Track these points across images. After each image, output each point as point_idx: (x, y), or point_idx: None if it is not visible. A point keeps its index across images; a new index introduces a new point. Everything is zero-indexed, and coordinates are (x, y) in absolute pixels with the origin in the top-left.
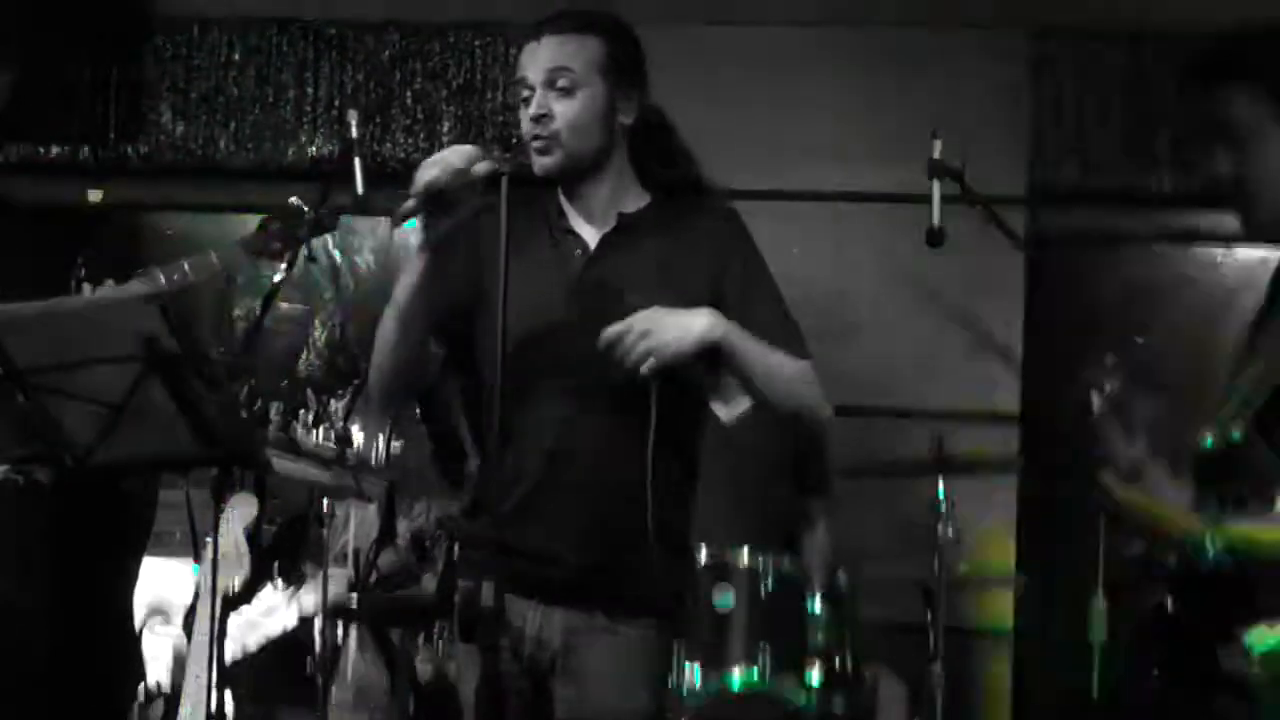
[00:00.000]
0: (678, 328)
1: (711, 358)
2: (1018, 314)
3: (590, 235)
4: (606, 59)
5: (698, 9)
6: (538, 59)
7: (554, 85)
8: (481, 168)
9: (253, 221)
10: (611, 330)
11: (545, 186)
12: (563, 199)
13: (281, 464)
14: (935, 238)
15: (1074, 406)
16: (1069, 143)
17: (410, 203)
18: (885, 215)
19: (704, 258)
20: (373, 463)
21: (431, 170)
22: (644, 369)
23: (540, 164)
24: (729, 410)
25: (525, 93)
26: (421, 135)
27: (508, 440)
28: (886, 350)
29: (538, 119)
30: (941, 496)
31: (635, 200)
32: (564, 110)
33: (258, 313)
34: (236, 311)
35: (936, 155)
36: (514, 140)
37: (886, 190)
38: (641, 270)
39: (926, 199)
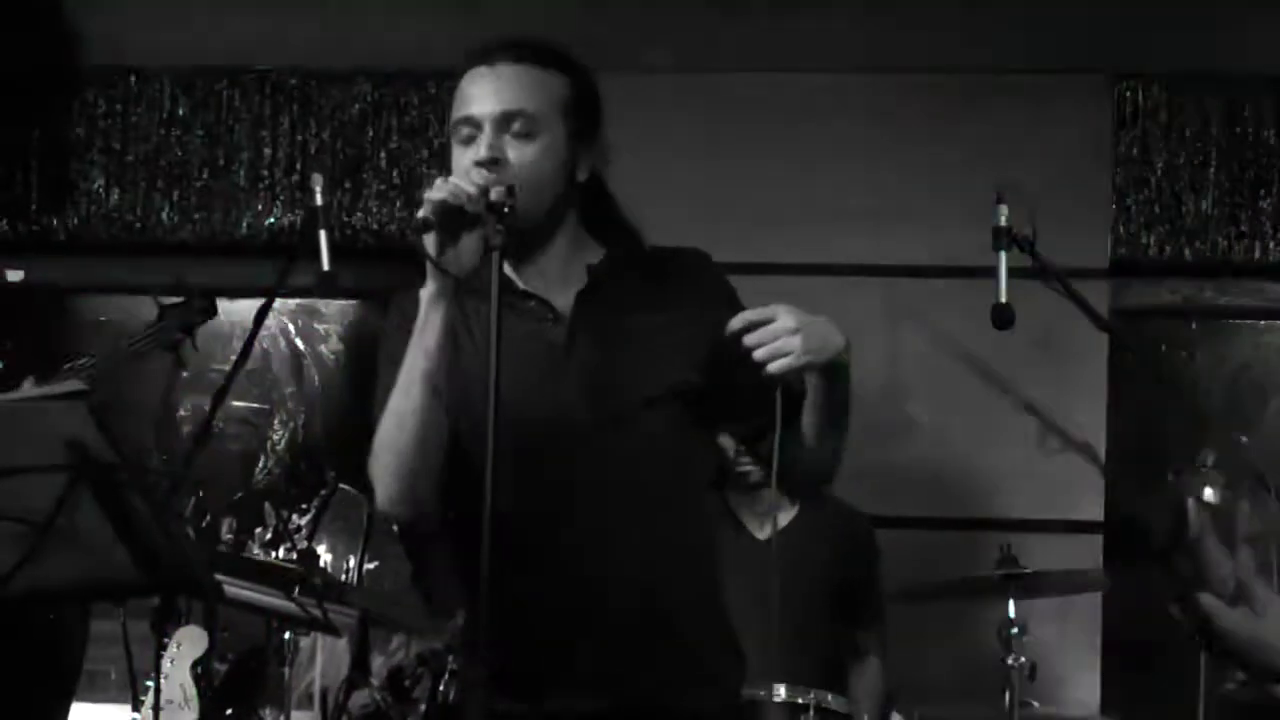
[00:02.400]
0: (825, 332)
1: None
2: (1100, 405)
3: (557, 297)
4: (568, 100)
5: (723, 54)
6: (488, 93)
7: (509, 128)
8: (498, 192)
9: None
10: (750, 316)
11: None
12: (508, 264)
13: (235, 590)
14: (1003, 317)
15: (1166, 514)
16: (1158, 205)
17: (424, 211)
18: (944, 291)
19: (693, 302)
20: (343, 587)
21: (440, 191)
22: (775, 368)
23: (496, 226)
24: (765, 525)
25: (468, 130)
26: (398, 202)
27: (515, 560)
28: (946, 450)
29: (488, 164)
30: (1012, 618)
31: (594, 252)
32: (521, 157)
33: (206, 412)
34: (181, 411)
35: (1003, 221)
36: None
37: (945, 262)
38: (633, 326)
39: (992, 272)
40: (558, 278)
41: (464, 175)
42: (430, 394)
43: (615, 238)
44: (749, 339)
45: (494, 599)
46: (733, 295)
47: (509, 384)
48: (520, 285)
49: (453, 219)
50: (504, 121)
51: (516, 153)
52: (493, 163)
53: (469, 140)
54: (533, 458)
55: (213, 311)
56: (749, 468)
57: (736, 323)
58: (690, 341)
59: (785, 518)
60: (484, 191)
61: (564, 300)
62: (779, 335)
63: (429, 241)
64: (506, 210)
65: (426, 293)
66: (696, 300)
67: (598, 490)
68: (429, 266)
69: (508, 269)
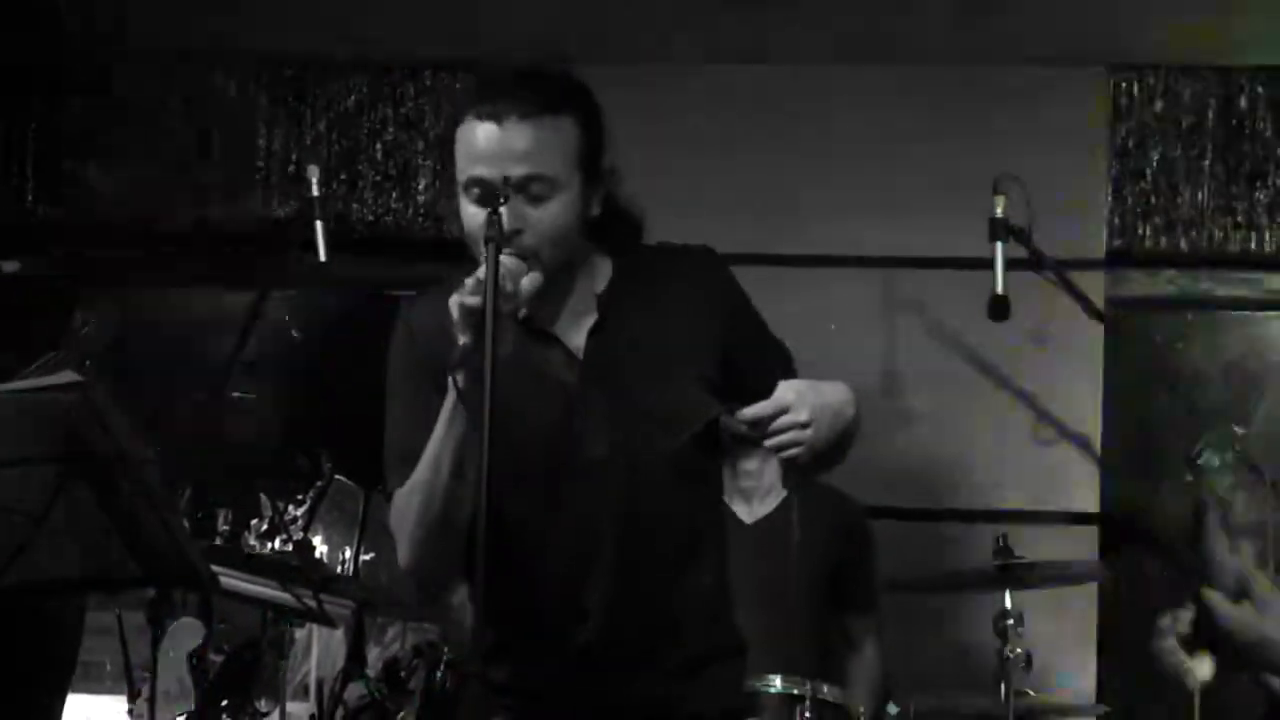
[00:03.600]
0: (837, 411)
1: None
2: (1096, 396)
3: (566, 332)
4: (582, 146)
5: (721, 46)
6: (500, 156)
7: (526, 191)
8: (529, 283)
9: (201, 296)
10: (761, 409)
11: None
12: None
13: (230, 582)
14: (999, 308)
15: (1162, 505)
16: (1154, 197)
17: (464, 341)
18: (941, 282)
19: (703, 317)
20: (339, 579)
21: (474, 298)
22: (786, 456)
23: (523, 301)
24: (753, 508)
25: (480, 191)
26: (394, 194)
27: (529, 594)
28: (943, 441)
29: (508, 237)
30: (1008, 609)
31: (601, 274)
32: (540, 218)
33: (202, 403)
34: (179, 402)
35: (999, 212)
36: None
37: (943, 253)
38: (647, 356)
39: (989, 263)
40: (568, 309)
41: (479, 236)
42: (458, 475)
43: (616, 233)
44: (759, 434)
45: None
46: (741, 297)
47: (524, 424)
48: (529, 322)
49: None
50: (521, 187)
51: (536, 214)
52: (515, 234)
53: (482, 200)
54: (548, 498)
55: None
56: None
57: (748, 414)
58: (703, 359)
59: (772, 501)
60: (514, 295)
61: (576, 337)
62: (790, 429)
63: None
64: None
65: (452, 397)
66: (704, 307)
67: (611, 527)
68: (456, 369)
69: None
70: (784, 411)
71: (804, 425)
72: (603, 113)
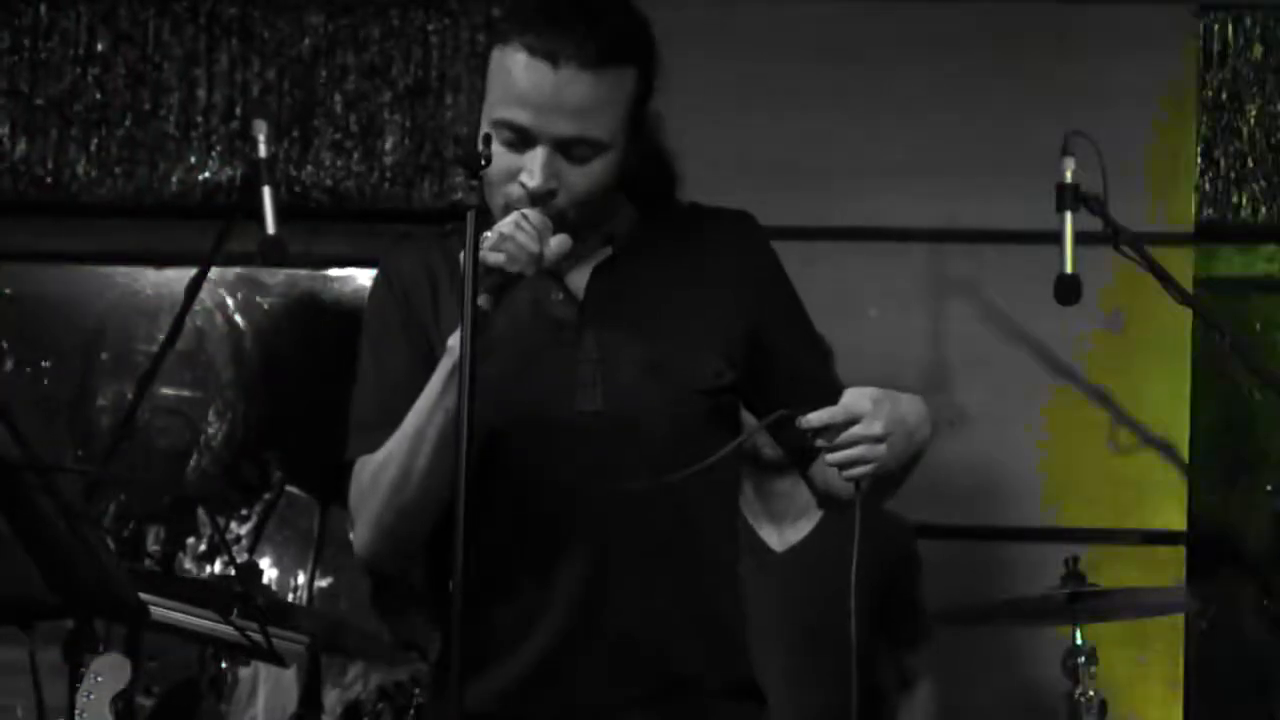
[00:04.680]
0: (912, 429)
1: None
2: (1183, 394)
3: (569, 270)
4: (636, 102)
5: None
6: (549, 105)
7: (570, 151)
8: (557, 244)
9: (125, 275)
10: (831, 415)
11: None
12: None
13: (162, 612)
14: (1068, 290)
15: (1260, 523)
16: (1251, 159)
17: (482, 300)
18: (999, 260)
19: (731, 282)
20: (291, 608)
21: (497, 255)
22: (851, 475)
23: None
24: (784, 534)
25: (512, 135)
26: (356, 154)
27: (505, 574)
28: (1002, 447)
29: (541, 196)
30: (1079, 644)
31: (620, 217)
32: (576, 181)
33: (129, 401)
34: (100, 401)
35: (1069, 177)
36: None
37: (1001, 226)
38: (657, 306)
39: (1056, 237)
40: (574, 250)
41: (503, 183)
42: (442, 452)
43: (647, 183)
44: (826, 443)
45: (473, 622)
46: (779, 271)
47: (507, 368)
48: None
49: (509, 285)
50: (565, 145)
51: (575, 174)
52: (547, 195)
53: (512, 145)
54: (531, 452)
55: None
56: (767, 449)
57: (814, 419)
58: (723, 326)
59: (805, 526)
60: (540, 256)
61: (578, 274)
62: (862, 442)
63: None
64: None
65: (450, 358)
66: (733, 275)
67: (602, 501)
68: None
69: None
70: (855, 421)
71: (877, 439)
72: (656, 49)
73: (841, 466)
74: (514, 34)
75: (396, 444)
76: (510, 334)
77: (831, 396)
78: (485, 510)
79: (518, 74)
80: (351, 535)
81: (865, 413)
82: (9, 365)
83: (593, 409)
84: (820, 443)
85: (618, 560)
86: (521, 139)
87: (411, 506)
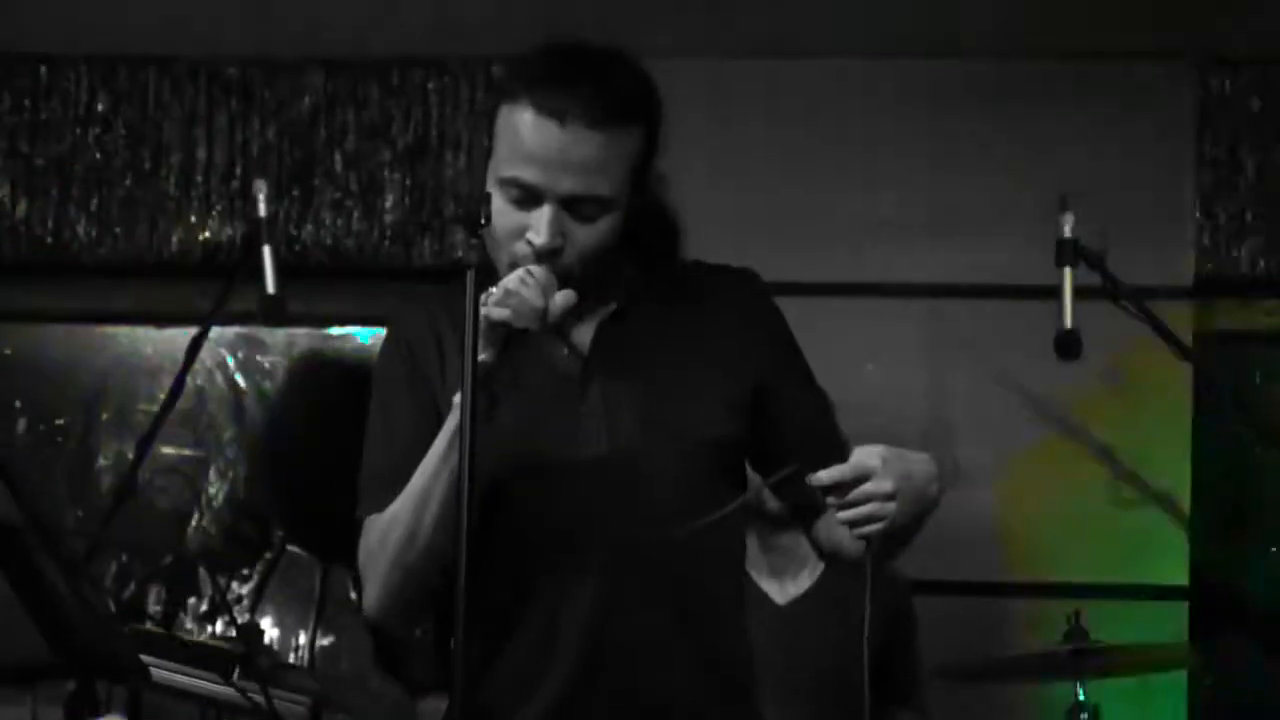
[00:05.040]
0: (922, 486)
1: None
2: (1183, 448)
3: (574, 325)
4: (641, 161)
5: (734, 36)
6: (556, 163)
7: (576, 210)
8: (562, 299)
9: (126, 335)
10: (840, 472)
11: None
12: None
13: (163, 673)
14: (1068, 345)
15: (1263, 577)
16: (1250, 213)
17: (484, 359)
18: (998, 315)
19: (737, 337)
20: (292, 669)
21: (502, 310)
22: (861, 533)
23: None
24: (785, 587)
25: (520, 194)
26: (356, 213)
27: (508, 625)
28: (1005, 502)
29: (547, 254)
30: (1082, 700)
31: (626, 273)
32: (583, 239)
33: (129, 461)
34: (101, 461)
35: (1068, 232)
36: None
37: (1001, 281)
38: (662, 362)
39: (1056, 292)
40: (580, 307)
41: (510, 241)
42: (447, 512)
43: (648, 237)
44: (836, 500)
45: (479, 672)
46: (785, 329)
47: (512, 421)
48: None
49: (513, 340)
50: (572, 203)
51: (581, 232)
52: (553, 253)
53: (519, 202)
54: (535, 502)
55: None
56: (770, 503)
57: (824, 477)
58: (729, 380)
59: (806, 580)
60: (545, 311)
61: (584, 330)
62: (872, 499)
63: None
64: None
65: (454, 419)
66: (738, 331)
67: (608, 550)
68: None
69: None
70: (865, 479)
71: (888, 497)
72: (661, 107)
73: (852, 525)
74: (521, 92)
75: (403, 503)
76: (514, 388)
77: (838, 453)
78: (489, 561)
79: (525, 133)
80: (356, 594)
81: (875, 470)
82: (21, 427)
83: (597, 456)
84: (830, 500)
85: (624, 609)
86: (529, 196)
87: (418, 564)
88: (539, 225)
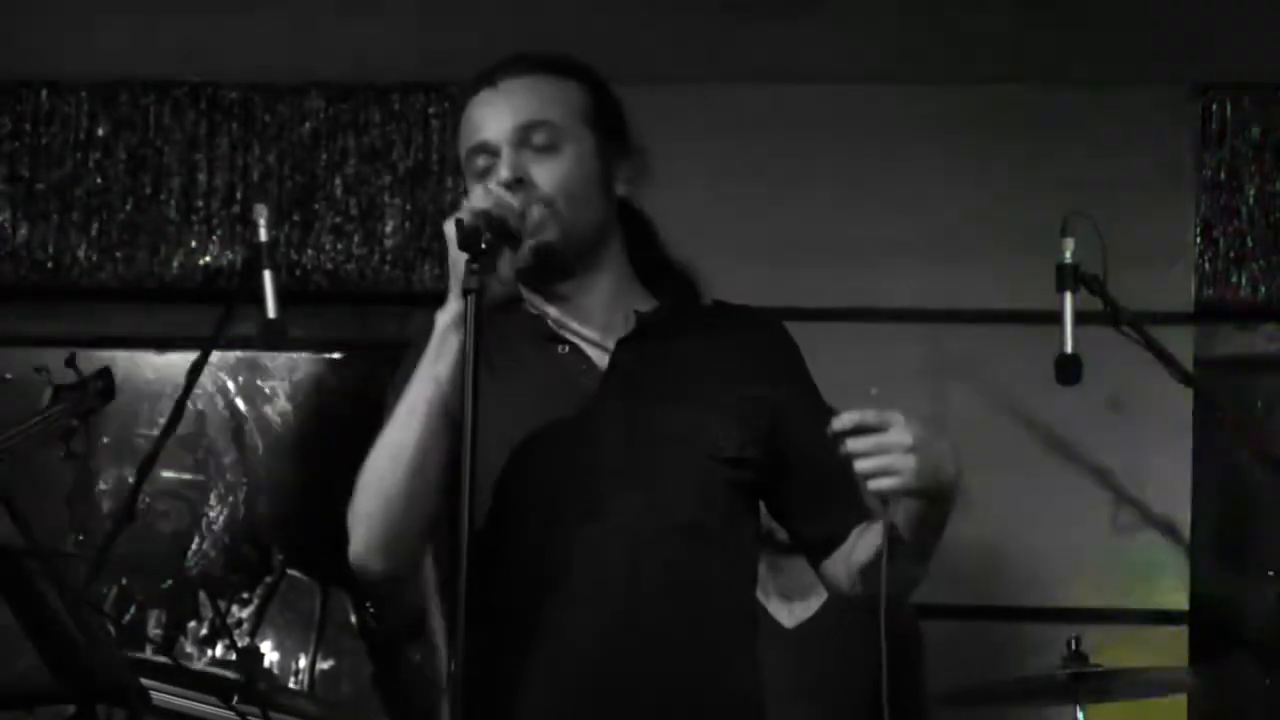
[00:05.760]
0: (941, 458)
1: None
2: (1184, 474)
3: (593, 346)
4: (591, 108)
5: (738, 61)
6: (500, 111)
7: (529, 143)
8: (539, 213)
9: (126, 359)
10: (862, 418)
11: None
12: (541, 303)
13: (163, 698)
14: (1069, 370)
15: (1263, 603)
16: (1250, 238)
17: (468, 215)
18: (999, 340)
19: (755, 366)
20: (292, 693)
21: (484, 200)
22: (878, 486)
23: (529, 245)
24: (794, 610)
25: (483, 161)
26: (356, 238)
27: (518, 635)
28: (1002, 528)
29: (512, 185)
30: None
31: (643, 300)
32: (549, 173)
33: (130, 485)
34: (102, 485)
35: (1068, 257)
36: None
37: (1001, 306)
38: (681, 381)
39: (1056, 317)
40: (601, 321)
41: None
42: (433, 429)
43: (669, 287)
44: (855, 445)
45: (485, 681)
46: (804, 370)
47: (530, 437)
48: (550, 329)
49: (494, 233)
50: (522, 135)
51: (542, 170)
52: (517, 183)
53: (486, 171)
54: (550, 512)
55: (110, 394)
56: (779, 533)
57: (846, 420)
58: (747, 405)
59: (816, 602)
60: (523, 217)
61: (603, 349)
62: (891, 450)
63: (457, 255)
64: (538, 254)
65: (445, 315)
66: (759, 362)
67: (620, 563)
68: (453, 283)
69: (541, 306)
70: (886, 428)
71: (907, 450)
72: (617, 98)
73: (869, 477)
74: (469, 96)
75: (387, 432)
76: (528, 394)
77: (853, 490)
78: (502, 570)
79: (471, 113)
80: (356, 618)
81: (897, 422)
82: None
83: (614, 470)
84: (849, 447)
85: (635, 623)
86: (488, 157)
87: (399, 490)
88: (499, 168)
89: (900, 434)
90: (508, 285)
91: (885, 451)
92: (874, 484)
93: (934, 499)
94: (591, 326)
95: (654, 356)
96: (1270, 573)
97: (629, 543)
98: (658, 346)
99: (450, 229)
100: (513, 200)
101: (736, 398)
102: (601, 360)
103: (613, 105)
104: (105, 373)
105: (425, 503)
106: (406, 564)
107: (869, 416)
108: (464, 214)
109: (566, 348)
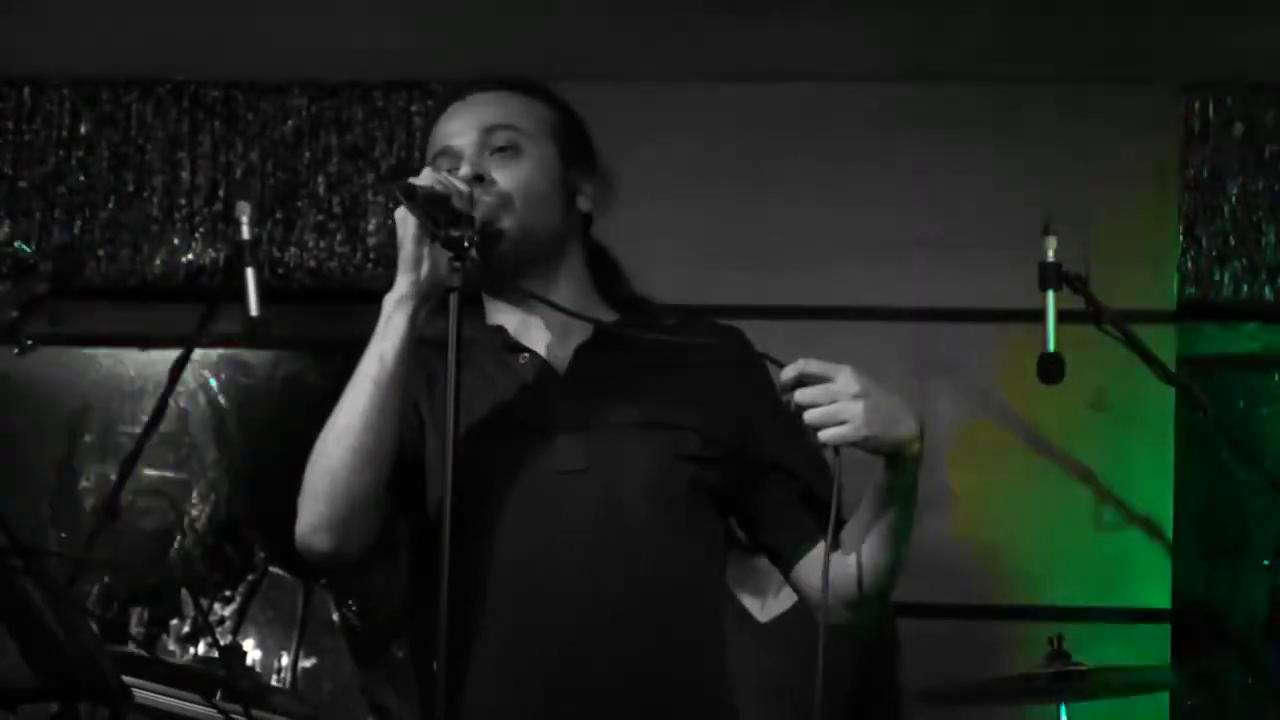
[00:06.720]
0: (895, 410)
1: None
2: (1166, 472)
3: (552, 350)
4: (557, 123)
5: (715, 59)
6: (465, 121)
7: (491, 145)
8: (487, 205)
9: (109, 357)
10: (807, 367)
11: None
12: (499, 311)
13: (145, 695)
14: (1051, 369)
15: (1245, 599)
16: (1233, 237)
17: (421, 179)
18: (981, 338)
19: (720, 376)
20: (274, 690)
21: (426, 179)
22: (827, 436)
23: (478, 227)
24: (766, 605)
25: (446, 164)
26: (339, 235)
27: (482, 635)
28: (986, 525)
29: (471, 181)
30: None
31: (605, 314)
32: (509, 173)
33: (112, 482)
34: (84, 482)
35: (1051, 256)
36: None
37: (984, 305)
38: (642, 386)
39: (1038, 315)
40: (559, 327)
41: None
42: (379, 407)
43: (631, 306)
44: (802, 395)
45: (454, 686)
46: (767, 375)
47: (490, 442)
48: (507, 336)
49: (437, 208)
50: (485, 138)
51: (503, 171)
52: (476, 180)
53: (450, 173)
54: (511, 512)
55: (74, 269)
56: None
57: (790, 371)
58: (709, 406)
59: (789, 599)
60: (471, 196)
61: (562, 356)
62: (837, 398)
63: (404, 234)
64: (485, 237)
65: (393, 295)
66: (722, 368)
67: (584, 563)
68: (402, 261)
69: (499, 317)
70: (830, 379)
71: (854, 396)
72: (584, 124)
73: (818, 428)
74: (438, 112)
75: (337, 408)
76: (490, 403)
77: (821, 501)
78: (464, 570)
79: (440, 125)
80: (338, 616)
81: (844, 372)
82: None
83: (574, 469)
84: (797, 397)
85: (599, 622)
86: (450, 160)
87: (342, 466)
88: (461, 167)
89: (847, 382)
90: (442, 275)
91: (833, 399)
92: (824, 434)
93: (892, 456)
94: (551, 333)
95: (614, 362)
96: (1265, 563)
97: (587, 542)
98: (618, 354)
99: (401, 212)
100: (461, 185)
101: (699, 401)
102: (561, 366)
103: (579, 127)
104: (67, 249)
105: (370, 482)
106: (350, 545)
107: (815, 366)
108: (403, 187)
109: (526, 356)
